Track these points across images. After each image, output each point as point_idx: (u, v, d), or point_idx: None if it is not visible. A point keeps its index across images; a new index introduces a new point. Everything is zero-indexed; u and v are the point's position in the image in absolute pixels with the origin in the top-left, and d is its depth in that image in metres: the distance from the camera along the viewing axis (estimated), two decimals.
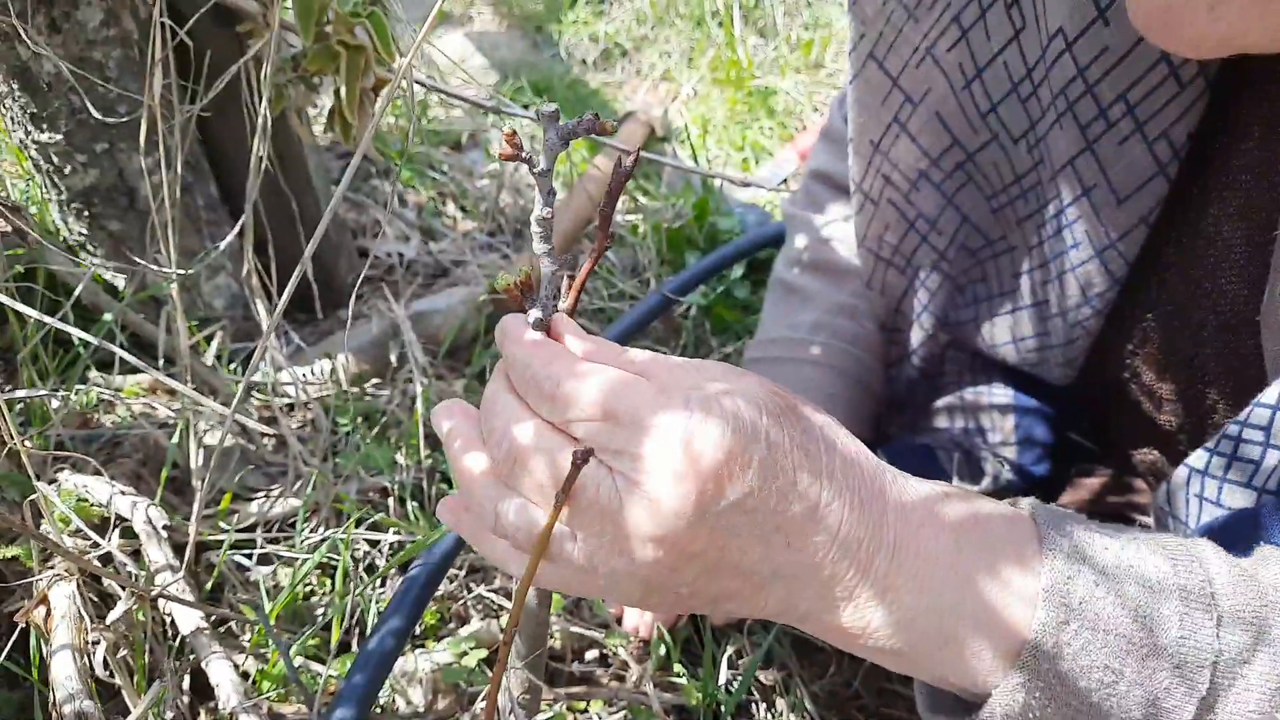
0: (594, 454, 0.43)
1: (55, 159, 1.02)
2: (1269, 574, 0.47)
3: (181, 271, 0.84)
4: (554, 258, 0.51)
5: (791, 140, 1.95)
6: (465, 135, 1.69)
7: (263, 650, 0.79)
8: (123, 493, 0.81)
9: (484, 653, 0.82)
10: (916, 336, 0.96)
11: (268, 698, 0.73)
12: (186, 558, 0.72)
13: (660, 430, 0.40)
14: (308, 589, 0.90)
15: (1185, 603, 0.44)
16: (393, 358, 1.10)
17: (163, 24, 0.78)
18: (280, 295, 1.20)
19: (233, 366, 1.13)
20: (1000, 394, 0.98)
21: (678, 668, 0.83)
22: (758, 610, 0.45)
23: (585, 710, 0.79)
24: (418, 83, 0.86)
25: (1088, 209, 0.68)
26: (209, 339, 1.11)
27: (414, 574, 0.72)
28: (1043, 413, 0.97)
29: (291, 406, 1.06)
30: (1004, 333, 0.87)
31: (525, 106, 1.87)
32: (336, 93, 0.82)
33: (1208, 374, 0.68)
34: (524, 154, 0.50)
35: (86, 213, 1.06)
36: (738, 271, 1.23)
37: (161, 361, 0.96)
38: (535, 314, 0.50)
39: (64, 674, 0.66)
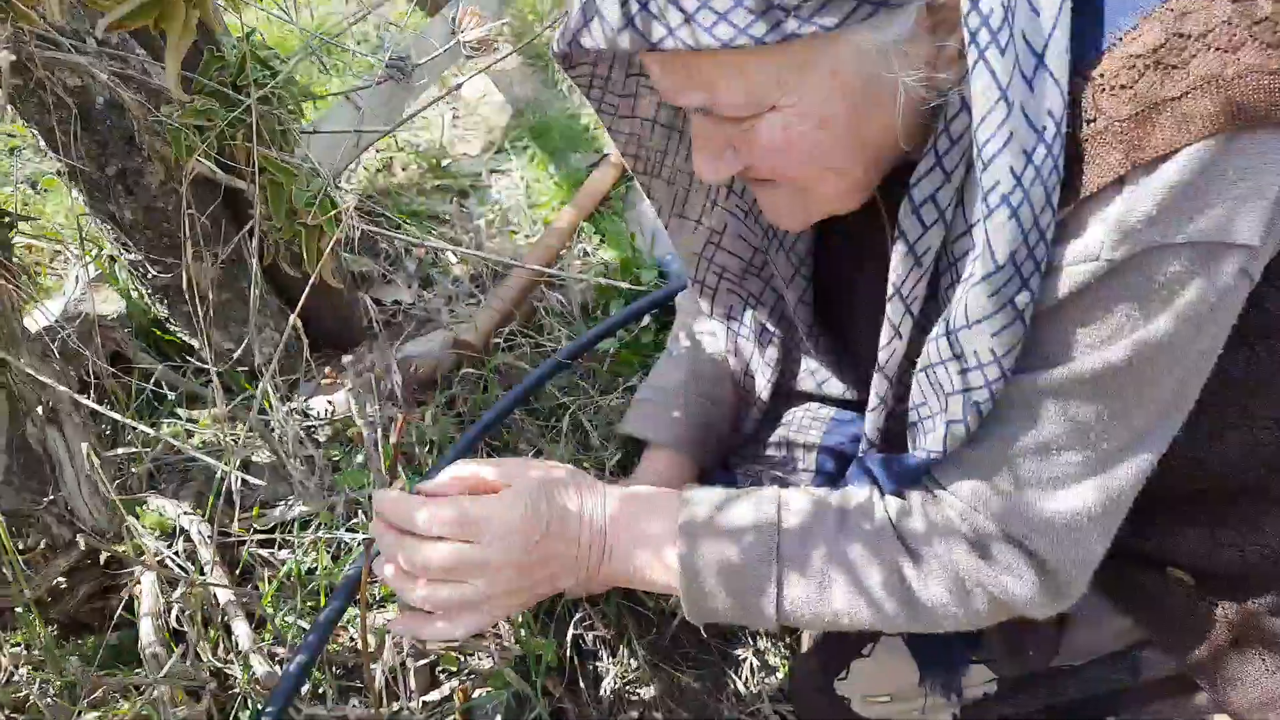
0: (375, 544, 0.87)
1: (142, 269, 1.48)
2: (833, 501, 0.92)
3: (220, 368, 1.29)
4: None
5: None
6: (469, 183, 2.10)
7: (268, 610, 1.26)
8: (186, 513, 1.28)
9: None
10: (761, 387, 1.31)
11: (267, 642, 1.20)
12: (210, 553, 1.18)
13: (494, 519, 0.89)
14: (309, 567, 1.35)
15: (758, 530, 0.90)
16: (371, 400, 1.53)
17: (190, 215, 1.21)
18: (307, 342, 1.65)
19: (290, 406, 1.58)
20: (812, 436, 1.33)
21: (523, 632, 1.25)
22: (569, 581, 0.95)
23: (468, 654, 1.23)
24: (362, 219, 1.27)
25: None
26: (255, 381, 1.57)
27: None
28: (837, 451, 1.32)
29: (310, 430, 1.52)
30: (821, 378, 1.27)
31: (525, 148, 2.25)
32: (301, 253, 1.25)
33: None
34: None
35: (165, 300, 1.52)
36: (646, 320, 1.61)
37: (215, 408, 1.42)
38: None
39: (146, 630, 1.14)
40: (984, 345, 0.78)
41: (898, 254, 0.84)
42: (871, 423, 0.97)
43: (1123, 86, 0.72)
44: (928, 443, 0.87)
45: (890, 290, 0.86)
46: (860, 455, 1.00)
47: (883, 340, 0.90)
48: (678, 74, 0.78)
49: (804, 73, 0.74)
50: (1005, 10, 0.69)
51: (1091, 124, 0.73)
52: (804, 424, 1.35)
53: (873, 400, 0.95)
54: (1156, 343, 0.75)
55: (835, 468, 1.32)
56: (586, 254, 1.85)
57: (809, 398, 1.35)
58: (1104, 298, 0.75)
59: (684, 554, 0.90)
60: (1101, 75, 0.73)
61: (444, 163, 2.15)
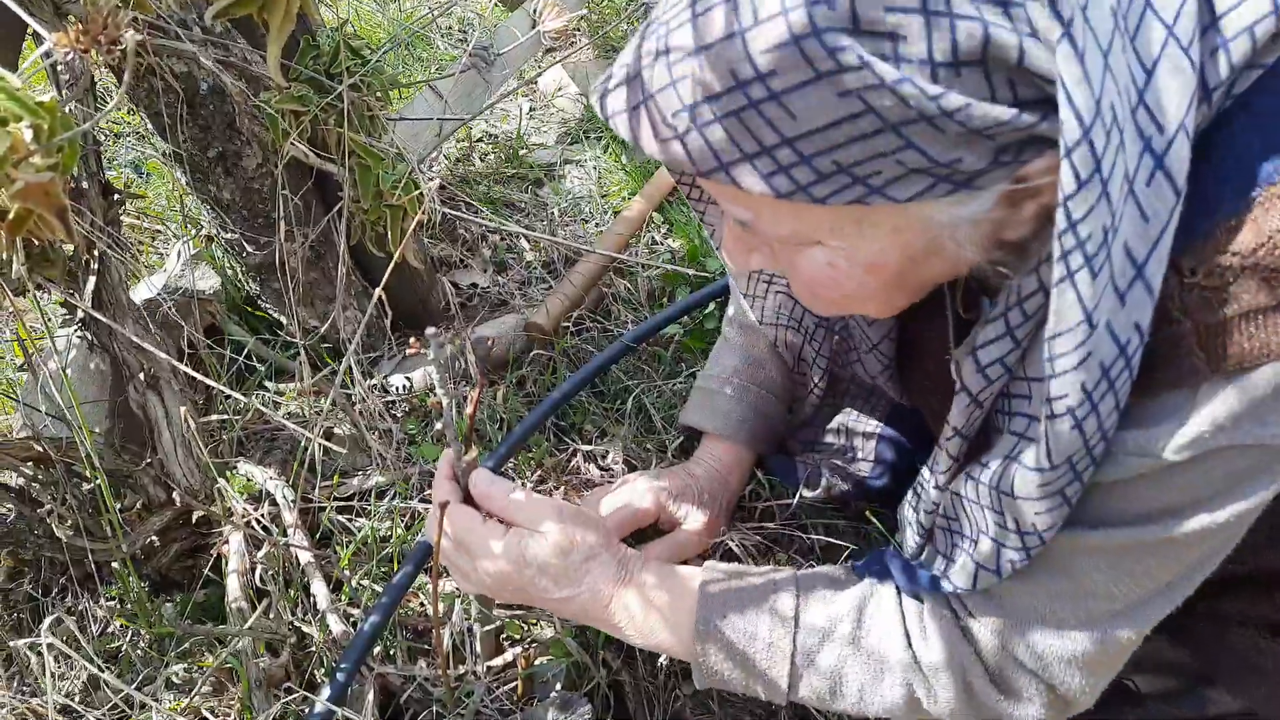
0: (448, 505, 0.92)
1: (238, 247, 1.56)
2: (849, 606, 0.95)
3: (305, 342, 1.36)
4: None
5: None
6: (544, 172, 2.15)
7: (345, 572, 1.32)
8: (271, 478, 1.35)
9: None
10: (816, 376, 1.34)
11: (342, 602, 1.26)
12: (293, 517, 1.25)
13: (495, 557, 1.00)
14: (384, 534, 1.42)
15: (774, 620, 0.94)
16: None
17: (284, 195, 1.28)
18: (389, 321, 1.72)
19: (371, 382, 1.65)
20: (871, 424, 1.36)
21: None
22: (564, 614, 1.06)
23: (535, 624, 1.28)
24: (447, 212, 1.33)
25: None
26: (338, 357, 1.65)
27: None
28: (896, 440, 1.34)
29: (389, 405, 1.59)
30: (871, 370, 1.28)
31: (599, 139, 2.29)
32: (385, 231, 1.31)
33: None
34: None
35: (258, 278, 1.61)
36: (711, 307, 1.64)
37: (301, 381, 1.49)
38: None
39: (232, 586, 1.21)
40: (1027, 519, 0.78)
41: (959, 405, 0.83)
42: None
43: (1214, 289, 0.67)
44: (955, 579, 0.88)
45: (949, 432, 0.86)
46: (888, 552, 1.02)
47: (939, 467, 0.90)
48: (721, 191, 0.74)
49: (862, 227, 0.71)
50: (1106, 232, 0.62)
51: (1176, 325, 0.69)
52: (859, 415, 1.38)
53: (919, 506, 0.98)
54: (1202, 525, 0.75)
55: (894, 456, 1.34)
56: (655, 242, 1.88)
57: (863, 385, 1.37)
58: (1159, 484, 0.75)
59: (700, 654, 0.96)
60: (1192, 271, 0.68)
61: (520, 152, 2.20)
